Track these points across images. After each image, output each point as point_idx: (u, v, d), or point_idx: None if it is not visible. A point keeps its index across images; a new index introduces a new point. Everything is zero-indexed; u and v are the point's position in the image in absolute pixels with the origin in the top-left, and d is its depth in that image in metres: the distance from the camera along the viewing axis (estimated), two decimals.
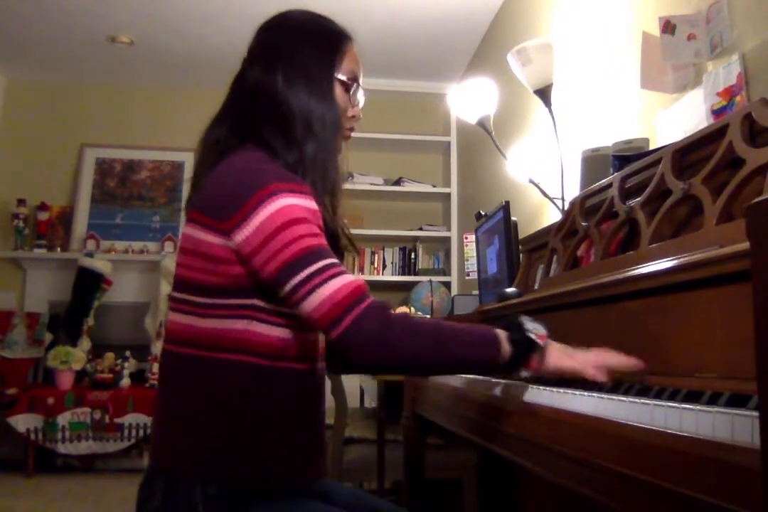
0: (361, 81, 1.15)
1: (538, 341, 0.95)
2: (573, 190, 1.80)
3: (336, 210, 1.10)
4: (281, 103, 1.06)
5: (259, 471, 0.99)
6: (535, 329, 0.97)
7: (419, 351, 0.93)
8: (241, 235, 0.96)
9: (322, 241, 0.97)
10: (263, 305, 1.00)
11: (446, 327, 0.97)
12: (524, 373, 0.97)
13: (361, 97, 1.16)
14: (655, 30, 1.68)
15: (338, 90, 1.11)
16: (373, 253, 4.39)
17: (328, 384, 2.14)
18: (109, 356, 4.06)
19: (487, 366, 0.97)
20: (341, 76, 1.11)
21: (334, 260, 0.96)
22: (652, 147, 1.59)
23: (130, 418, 3.74)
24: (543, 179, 2.43)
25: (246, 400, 0.99)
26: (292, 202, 0.96)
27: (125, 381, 3.94)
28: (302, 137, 1.06)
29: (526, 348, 0.95)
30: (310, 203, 0.99)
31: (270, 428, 1.00)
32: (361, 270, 4.35)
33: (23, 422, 3.65)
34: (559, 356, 0.95)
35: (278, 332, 1.00)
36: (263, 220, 0.94)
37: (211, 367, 0.99)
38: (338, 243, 1.11)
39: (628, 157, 1.39)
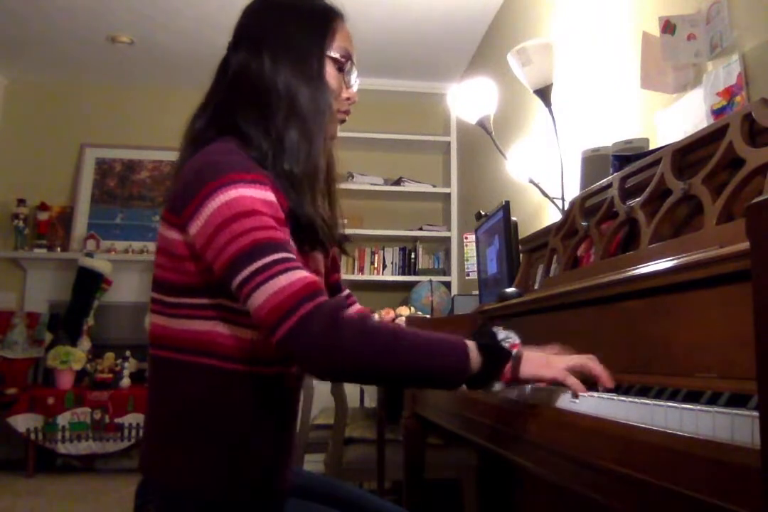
0: (354, 60, 1.09)
1: (512, 350, 0.88)
2: (573, 190, 1.80)
3: (316, 198, 1.02)
4: (266, 86, 1.00)
5: (226, 480, 0.94)
6: (507, 338, 0.90)
7: (373, 358, 0.83)
8: (194, 228, 0.90)
9: (275, 234, 0.88)
10: (230, 305, 0.94)
11: (407, 332, 0.88)
12: (497, 386, 0.89)
13: (355, 77, 1.10)
14: (655, 30, 1.68)
15: (330, 69, 1.05)
16: (373, 253, 4.39)
17: (327, 384, 2.16)
18: (109, 356, 4.06)
19: (455, 376, 0.87)
20: (333, 54, 1.04)
21: (287, 254, 0.87)
22: (652, 147, 1.59)
23: (130, 418, 3.74)
24: (543, 179, 2.43)
25: (214, 405, 0.95)
26: (243, 193, 0.89)
27: (125, 381, 3.94)
28: (284, 121, 0.99)
29: (498, 357, 0.88)
30: (265, 194, 0.91)
31: (242, 434, 0.96)
32: (361, 270, 4.35)
33: (23, 422, 3.65)
34: (537, 365, 0.88)
35: (247, 334, 0.95)
36: (212, 212, 0.88)
37: (180, 370, 0.96)
38: (316, 235, 1.01)
39: (628, 157, 1.39)
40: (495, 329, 0.92)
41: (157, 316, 0.99)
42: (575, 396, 0.83)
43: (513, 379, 0.88)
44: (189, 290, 0.95)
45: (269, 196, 0.92)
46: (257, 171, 0.94)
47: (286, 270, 0.85)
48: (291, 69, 1.01)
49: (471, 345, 0.88)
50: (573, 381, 0.85)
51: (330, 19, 1.06)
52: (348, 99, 1.09)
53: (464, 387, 0.90)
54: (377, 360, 0.84)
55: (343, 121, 1.11)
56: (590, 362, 0.87)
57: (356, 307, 1.24)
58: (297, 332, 0.82)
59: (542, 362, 0.88)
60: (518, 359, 0.88)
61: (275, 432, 1.01)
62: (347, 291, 1.26)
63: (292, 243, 0.94)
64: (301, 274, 0.86)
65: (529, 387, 0.96)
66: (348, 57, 1.07)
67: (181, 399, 0.96)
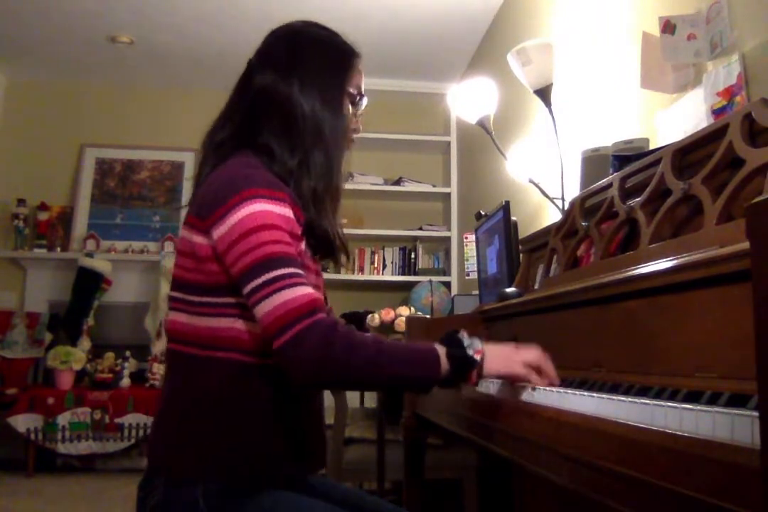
0: (364, 94, 1.22)
1: (476, 357, 0.98)
2: (573, 190, 1.80)
3: (336, 214, 1.15)
4: (294, 109, 1.10)
5: (249, 466, 1.00)
6: (472, 344, 0.99)
7: (359, 370, 0.93)
8: (218, 232, 0.99)
9: (288, 249, 0.98)
10: None
11: (387, 346, 0.96)
12: (464, 388, 1.03)
13: (362, 111, 1.22)
14: (655, 30, 1.68)
15: (346, 102, 1.16)
16: (373, 253, 4.39)
17: None
18: (109, 356, 4.06)
19: (427, 383, 0.99)
20: (351, 90, 1.17)
21: (295, 270, 0.96)
22: (652, 147, 1.59)
23: (130, 418, 3.74)
24: (543, 179, 2.43)
25: (235, 396, 1.02)
26: (265, 208, 0.98)
27: (125, 381, 3.94)
28: (311, 143, 1.10)
29: (464, 365, 0.98)
30: (284, 210, 1.01)
31: (259, 424, 1.02)
32: (361, 270, 4.35)
33: (23, 422, 3.65)
34: (497, 364, 1.00)
35: None
36: (236, 221, 0.97)
37: (202, 365, 1.02)
38: (333, 247, 1.14)
39: (628, 157, 1.39)
40: (461, 335, 1.01)
41: (179, 314, 1.05)
42: (533, 389, 0.97)
43: (477, 382, 1.01)
44: (214, 289, 1.02)
45: (288, 212, 1.02)
46: (280, 188, 1.03)
47: (293, 285, 0.94)
48: (317, 98, 1.12)
49: (441, 354, 0.98)
50: (534, 377, 0.99)
51: (351, 58, 1.18)
52: (355, 129, 1.21)
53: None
54: (362, 371, 0.94)
55: (348, 148, 1.22)
56: (544, 360, 1.00)
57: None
58: (292, 345, 0.90)
59: (501, 360, 1.01)
60: (481, 365, 0.99)
61: (295, 419, 1.06)
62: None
63: (306, 250, 1.07)
64: (305, 291, 0.95)
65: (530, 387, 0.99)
66: (360, 93, 1.19)
67: (201, 391, 1.02)
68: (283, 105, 1.10)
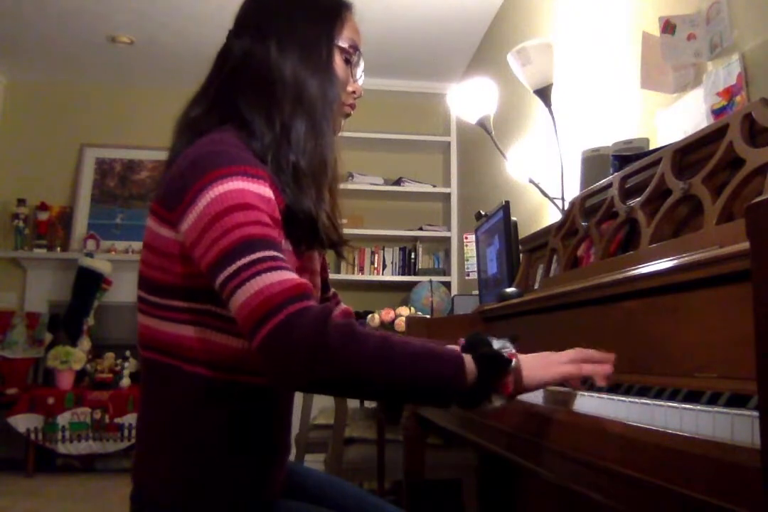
0: (362, 52, 1.06)
1: (510, 359, 0.79)
2: (573, 190, 1.80)
3: (322, 194, 0.97)
4: (272, 74, 0.96)
5: (214, 491, 0.90)
6: (504, 347, 0.81)
7: (361, 364, 0.75)
8: (185, 224, 0.85)
9: (268, 231, 0.82)
10: (220, 311, 0.88)
11: (398, 340, 0.80)
12: (498, 402, 0.80)
13: (362, 70, 1.06)
14: (655, 30, 1.68)
15: (338, 60, 1.01)
16: (373, 253, 4.39)
17: None
18: (109, 356, 4.06)
19: (448, 388, 0.78)
20: (341, 44, 1.01)
21: (277, 253, 0.81)
22: (652, 147, 1.59)
23: (130, 418, 3.73)
24: (543, 179, 2.43)
25: (200, 414, 0.91)
26: (238, 186, 0.83)
27: (125, 381, 3.94)
28: (291, 111, 0.95)
29: (496, 367, 0.79)
30: (262, 189, 0.86)
31: (221, 446, 0.92)
32: (361, 270, 4.35)
33: (23, 422, 3.65)
34: (541, 369, 0.81)
35: (238, 342, 0.89)
36: (205, 205, 0.82)
37: (168, 374, 0.91)
38: (316, 233, 0.96)
39: (628, 157, 1.39)
40: (489, 338, 0.83)
41: (143, 316, 0.94)
42: (598, 382, 0.81)
43: (518, 392, 0.81)
44: (174, 292, 0.90)
45: (267, 191, 0.87)
46: (256, 165, 0.89)
47: (277, 268, 0.79)
48: (299, 57, 0.97)
49: (466, 355, 0.80)
50: (588, 368, 0.81)
51: (339, 9, 1.02)
52: (353, 92, 1.05)
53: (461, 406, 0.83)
54: (366, 367, 0.76)
55: (347, 115, 1.07)
56: (586, 352, 0.84)
57: (341, 307, 1.18)
58: (281, 332, 0.74)
59: (543, 364, 0.82)
60: (518, 370, 0.80)
61: (264, 445, 0.96)
62: (333, 290, 1.22)
63: (286, 244, 0.91)
64: (291, 275, 0.79)
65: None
66: (356, 48, 1.03)
67: (168, 405, 0.92)
68: (260, 70, 0.96)
